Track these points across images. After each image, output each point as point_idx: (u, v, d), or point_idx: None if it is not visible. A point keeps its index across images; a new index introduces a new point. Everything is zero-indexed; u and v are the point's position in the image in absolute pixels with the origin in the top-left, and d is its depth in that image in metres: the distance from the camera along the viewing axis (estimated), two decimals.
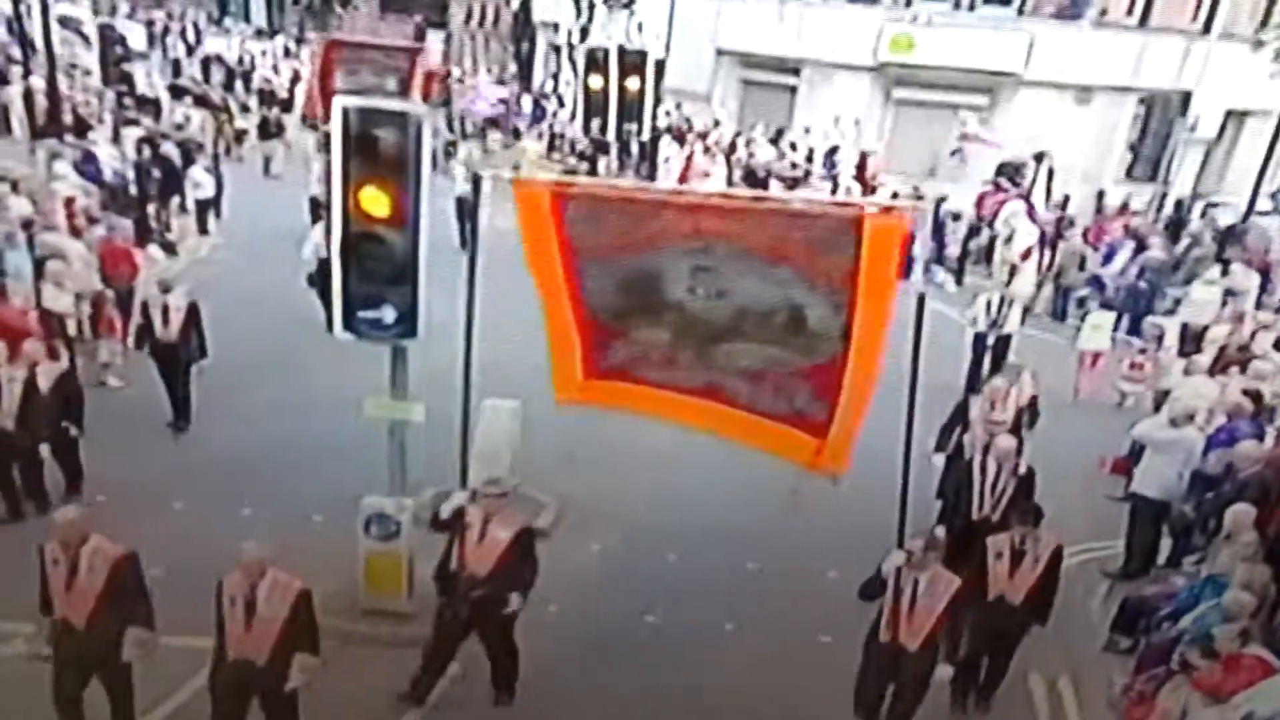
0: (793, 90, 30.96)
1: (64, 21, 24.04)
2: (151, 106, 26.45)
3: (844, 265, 7.00)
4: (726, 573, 10.71)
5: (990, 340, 15.75)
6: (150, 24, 38.16)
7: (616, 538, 11.29)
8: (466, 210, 19.41)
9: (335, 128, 7.57)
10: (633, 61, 21.23)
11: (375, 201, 7.82)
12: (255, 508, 10.69)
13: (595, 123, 21.23)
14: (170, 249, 18.41)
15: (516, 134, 31.69)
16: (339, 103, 7.58)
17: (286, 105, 31.18)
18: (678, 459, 12.19)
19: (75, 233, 14.54)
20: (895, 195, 23.42)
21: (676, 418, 8.69)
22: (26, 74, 23.13)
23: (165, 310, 12.44)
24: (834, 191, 23.56)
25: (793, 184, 24.85)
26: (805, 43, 30.11)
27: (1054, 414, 12.87)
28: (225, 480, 11.49)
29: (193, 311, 12.53)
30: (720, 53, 32.31)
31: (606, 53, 21.04)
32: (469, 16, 38.55)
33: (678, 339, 8.10)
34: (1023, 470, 9.86)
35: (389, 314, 8.22)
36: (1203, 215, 23.13)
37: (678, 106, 31.37)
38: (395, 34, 29.54)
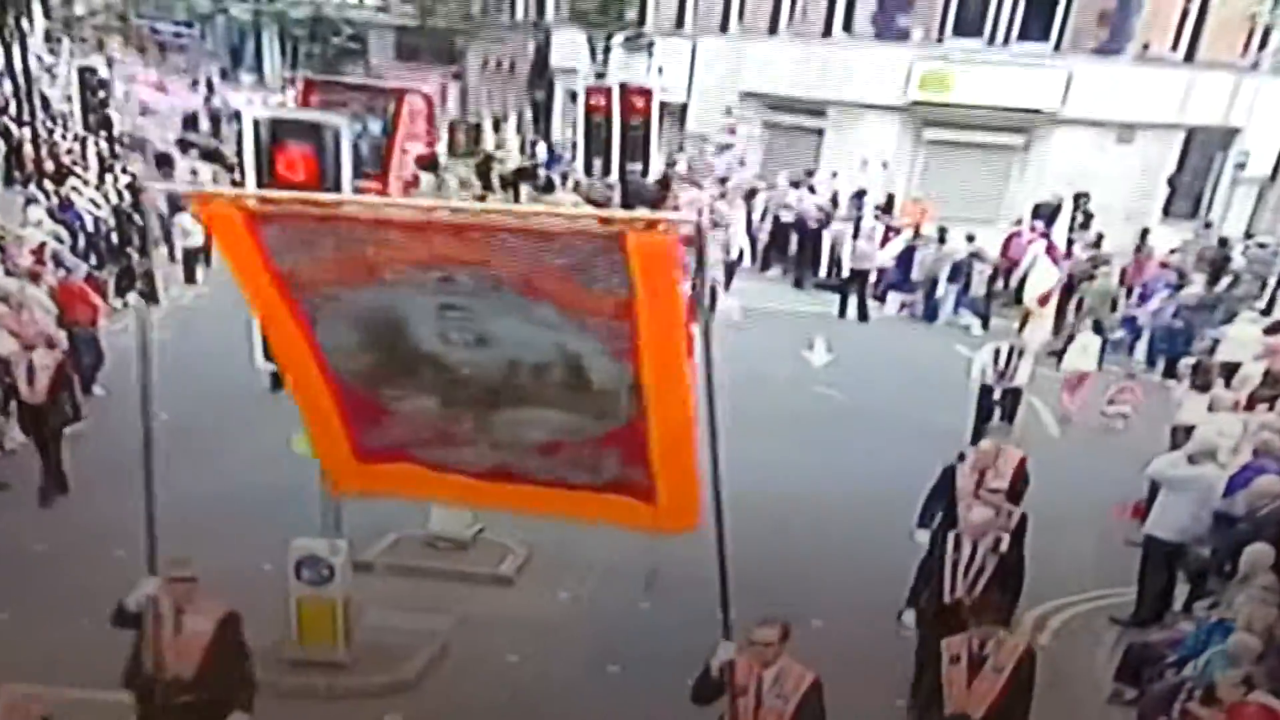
0: (819, 132, 30.80)
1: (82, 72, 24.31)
2: (166, 161, 26.78)
3: (615, 298, 5.94)
4: (702, 622, 10.30)
5: (998, 394, 15.03)
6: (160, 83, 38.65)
7: (587, 585, 11.08)
8: None
9: (246, 143, 7.45)
10: (636, 98, 20.97)
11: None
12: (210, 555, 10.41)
13: (597, 162, 20.92)
14: (151, 298, 18.26)
15: (549, 185, 31.23)
16: (247, 114, 7.49)
17: None
18: None
19: (36, 279, 14.48)
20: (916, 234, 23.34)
21: (483, 502, 7.86)
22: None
23: (30, 369, 11.96)
24: (855, 236, 23.24)
25: (817, 228, 24.66)
26: (831, 83, 30.00)
27: (1058, 455, 12.83)
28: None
29: (62, 370, 12.12)
30: (744, 96, 32.15)
31: (609, 89, 20.79)
32: (485, 64, 38.87)
33: (447, 406, 6.99)
34: (1004, 546, 8.89)
35: None
36: (1244, 252, 22.66)
37: (700, 152, 31.26)
38: (420, 84, 29.56)
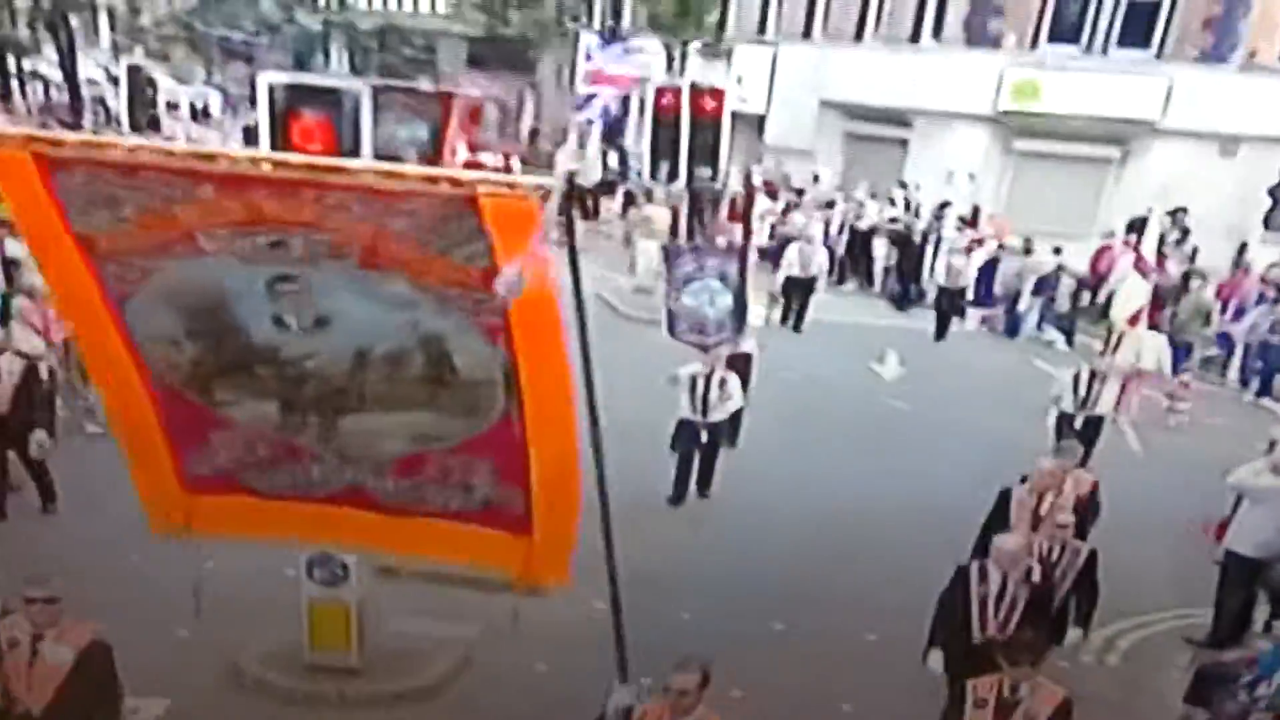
0: (903, 143, 30.47)
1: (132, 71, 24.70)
2: None
3: (476, 268, 5.26)
4: (745, 633, 10.26)
5: (1078, 423, 14.08)
6: (225, 92, 39.16)
7: (625, 594, 10.77)
8: None
9: (261, 109, 7.38)
10: (707, 98, 20.80)
11: None
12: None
13: (664, 166, 20.76)
14: None
15: (630, 199, 30.79)
16: (262, 79, 7.40)
17: None
18: (702, 505, 12.85)
19: None
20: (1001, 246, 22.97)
21: (332, 537, 6.93)
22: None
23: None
24: (937, 248, 22.98)
25: (895, 239, 24.40)
26: (918, 92, 29.60)
27: (1140, 471, 12.96)
28: None
29: (30, 375, 11.39)
30: (824, 105, 31.92)
31: (678, 89, 20.64)
32: (559, 73, 38.94)
33: (288, 412, 6.03)
34: (1036, 575, 8.33)
35: None
36: None
37: (777, 163, 31.04)
38: (500, 92, 29.69)
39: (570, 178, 13.18)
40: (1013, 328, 22.45)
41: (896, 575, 10.72)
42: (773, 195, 27.75)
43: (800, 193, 28.30)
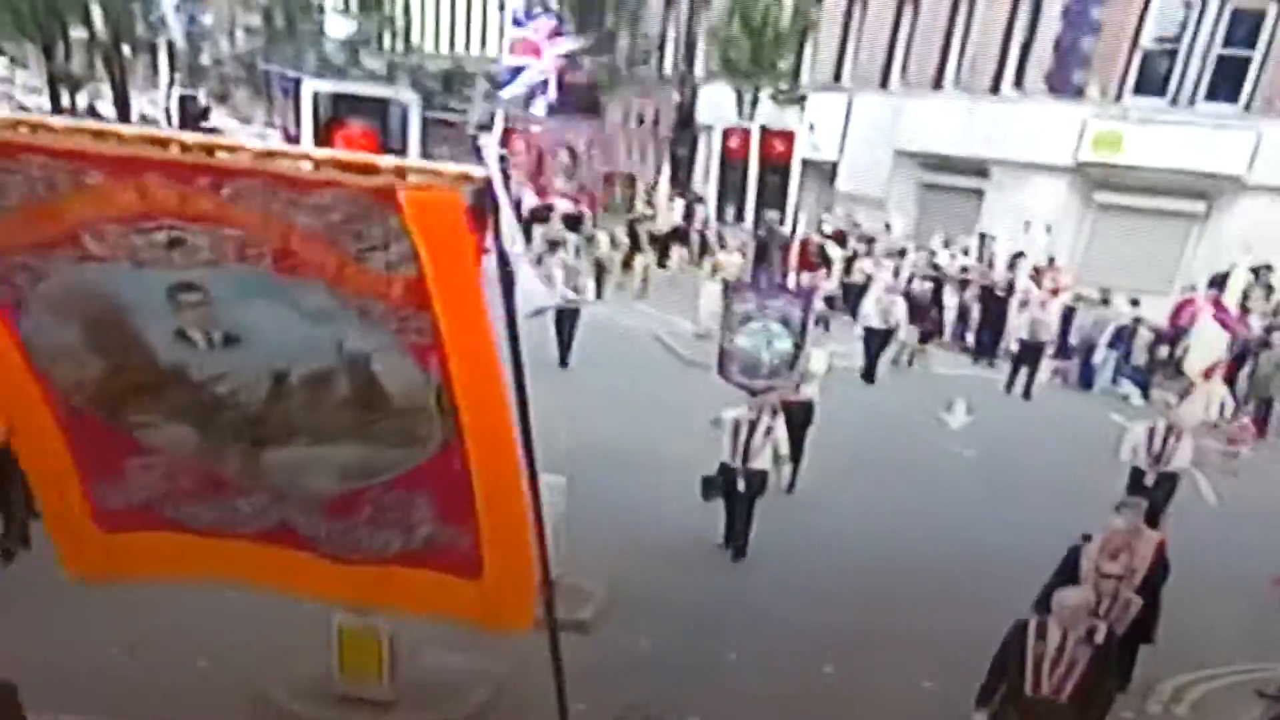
0: (978, 194, 30.43)
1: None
2: None
3: (402, 277, 4.62)
4: (795, 676, 10.26)
5: (1150, 479, 13.75)
6: (287, 132, 39.72)
7: (671, 632, 10.95)
8: (568, 323, 19.80)
9: (304, 117, 7.38)
10: (777, 141, 20.97)
11: None
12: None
13: (730, 209, 20.93)
14: None
15: (705, 245, 30.67)
16: (307, 86, 7.39)
17: None
18: (757, 546, 12.67)
19: None
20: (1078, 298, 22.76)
21: (265, 580, 5.97)
22: None
23: None
24: (1009, 294, 22.83)
25: (964, 288, 24.29)
26: (996, 142, 29.68)
27: (1214, 524, 13.14)
28: None
29: None
30: (899, 154, 31.93)
31: (747, 131, 20.82)
32: (627, 117, 39.25)
33: (207, 439, 5.33)
34: (1100, 637, 7.84)
35: None
36: None
37: (848, 212, 31.03)
38: (571, 137, 29.87)
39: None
40: (1087, 380, 22.28)
41: (956, 624, 10.59)
42: (841, 242, 27.62)
43: (871, 241, 28.21)
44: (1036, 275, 25.44)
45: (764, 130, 21.11)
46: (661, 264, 28.00)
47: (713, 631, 10.86)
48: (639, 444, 15.05)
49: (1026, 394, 21.60)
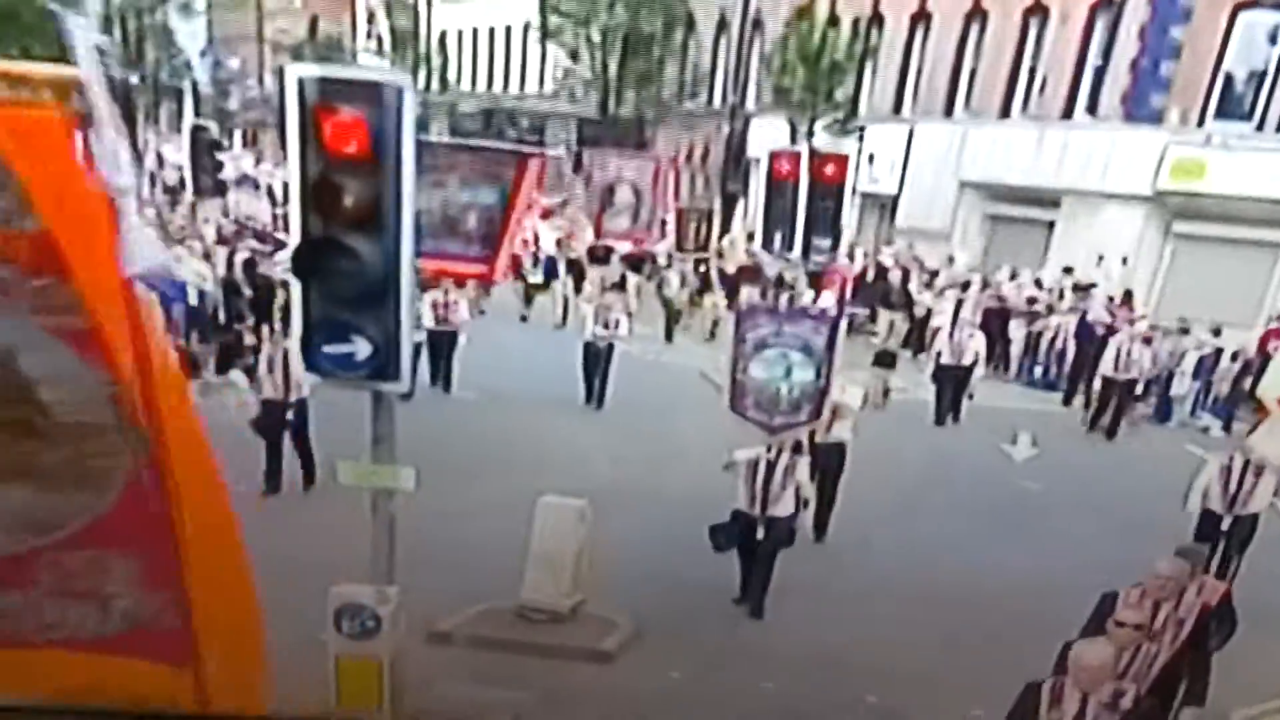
0: (1049, 225, 30.21)
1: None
2: None
3: (17, 235, 3.68)
4: (835, 707, 10.02)
5: (1226, 523, 12.96)
6: None
7: (702, 663, 10.89)
8: (599, 360, 19.81)
9: (290, 106, 7.31)
10: (828, 164, 20.76)
11: (339, 202, 7.23)
12: None
13: (778, 236, 20.69)
14: (252, 375, 18.80)
15: (780, 282, 30.45)
16: (290, 71, 7.33)
17: None
18: (793, 583, 12.30)
19: None
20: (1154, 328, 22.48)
21: None
22: None
23: None
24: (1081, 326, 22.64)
25: (1031, 319, 24.04)
26: (1068, 171, 29.44)
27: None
28: None
29: None
30: (964, 185, 31.76)
31: (796, 154, 20.64)
32: (675, 153, 39.25)
33: None
34: (1128, 702, 6.88)
35: (361, 348, 7.53)
36: None
37: (909, 246, 30.86)
38: (634, 174, 29.91)
39: None
40: (1164, 412, 21.84)
41: (1010, 659, 10.31)
42: (904, 277, 27.50)
43: (934, 274, 28.02)
44: (1124, 307, 25.12)
45: (814, 153, 20.81)
46: (730, 304, 27.84)
47: (750, 662, 10.84)
48: (677, 481, 14.99)
49: (1110, 434, 21.00)
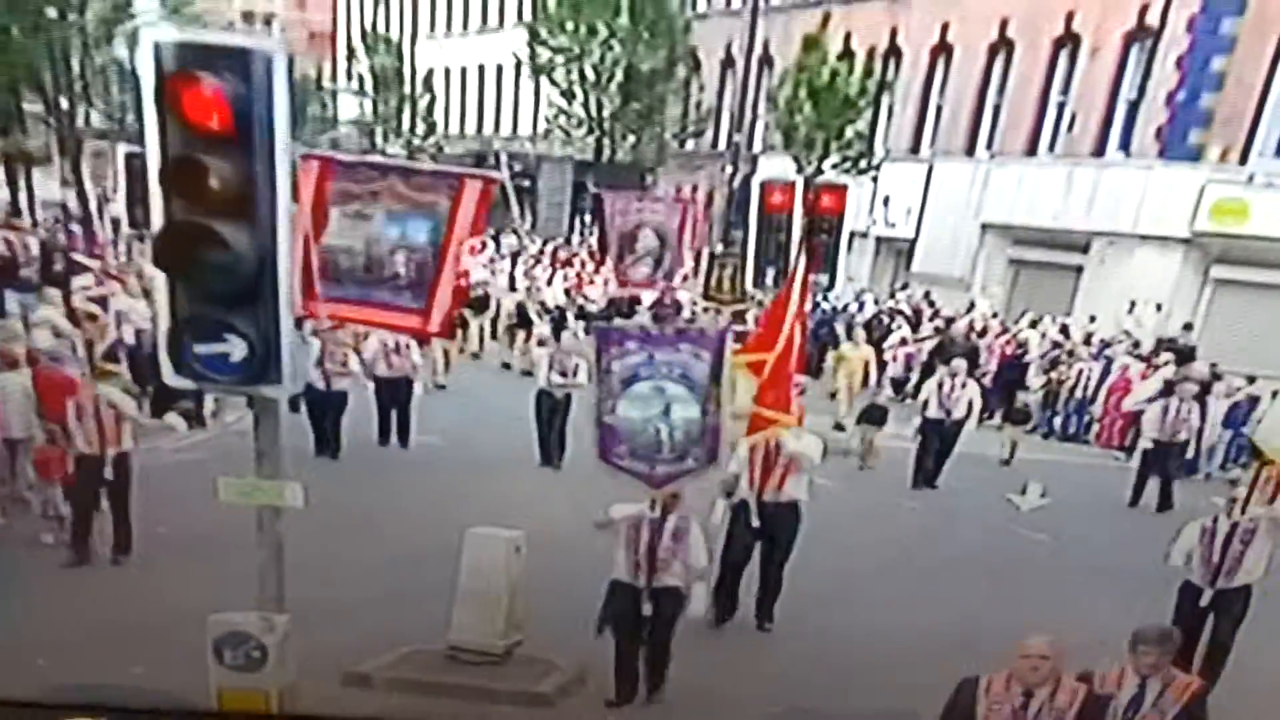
0: (1077, 270, 30.14)
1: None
2: None
3: None
4: None
5: (1206, 598, 11.79)
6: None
7: (652, 708, 10.87)
8: (553, 412, 19.17)
9: (144, 73, 7.31)
10: (826, 195, 20.89)
11: (203, 183, 7.17)
12: None
13: (770, 271, 20.78)
14: (195, 419, 18.83)
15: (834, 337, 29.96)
16: (146, 35, 7.33)
17: None
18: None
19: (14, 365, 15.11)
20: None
21: None
22: None
23: None
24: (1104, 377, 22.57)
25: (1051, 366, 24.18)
26: (1099, 212, 29.48)
27: None
28: None
29: None
30: (985, 228, 31.81)
31: (791, 184, 20.79)
32: (678, 193, 39.40)
33: None
34: None
35: (237, 348, 7.57)
36: None
37: (926, 294, 30.90)
38: (663, 216, 30.05)
39: None
40: (1190, 464, 21.60)
41: None
42: (915, 322, 27.56)
43: (950, 321, 28.02)
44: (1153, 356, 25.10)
45: (810, 184, 21.00)
46: None
47: (691, 706, 10.86)
48: None
49: (1162, 506, 19.52)
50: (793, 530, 12.85)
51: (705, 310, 25.94)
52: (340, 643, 10.90)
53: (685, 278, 27.98)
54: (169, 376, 7.85)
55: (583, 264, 33.40)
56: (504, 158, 39.62)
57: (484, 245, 35.15)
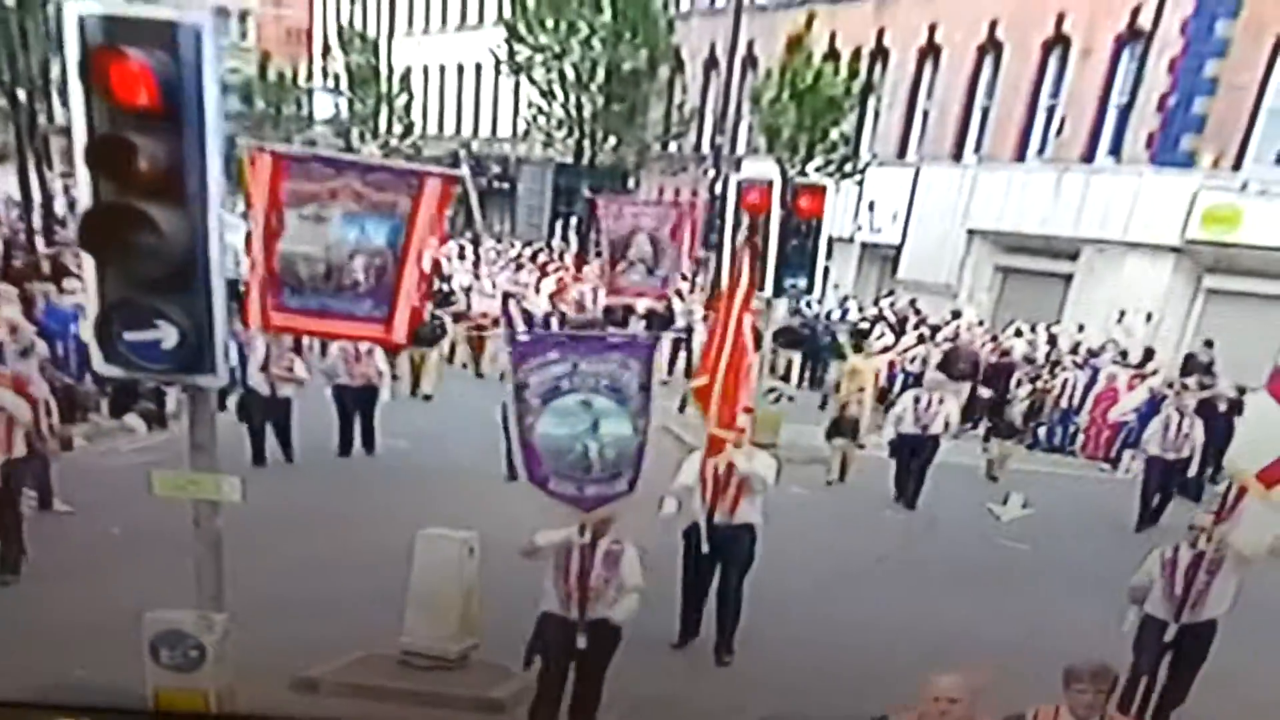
0: (1066, 278, 30.14)
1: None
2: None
3: None
4: None
5: (1170, 634, 10.79)
6: None
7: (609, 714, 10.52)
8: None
9: (69, 47, 7.16)
10: (804, 196, 20.78)
11: (131, 163, 6.93)
12: None
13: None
14: (156, 420, 18.69)
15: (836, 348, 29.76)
16: (70, 8, 7.17)
17: None
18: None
19: None
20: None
21: None
22: None
23: None
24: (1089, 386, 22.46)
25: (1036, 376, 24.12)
26: (1088, 219, 29.48)
27: None
28: None
29: None
30: (973, 234, 31.80)
31: (768, 184, 20.64)
32: (660, 197, 39.36)
33: None
34: None
35: (168, 335, 7.35)
36: None
37: (912, 302, 30.87)
38: (654, 221, 29.96)
39: None
40: (1194, 481, 21.43)
41: None
42: (898, 329, 27.52)
43: (935, 330, 27.96)
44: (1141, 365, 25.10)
45: (788, 184, 20.85)
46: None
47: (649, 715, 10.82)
48: None
49: (1151, 519, 19.07)
50: (747, 555, 12.15)
51: (706, 318, 25.61)
52: (291, 648, 10.78)
53: (682, 285, 27.99)
54: (99, 365, 7.68)
55: (563, 270, 33.27)
56: (463, 154, 39.20)
57: (464, 250, 35.29)
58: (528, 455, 10.24)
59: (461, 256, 35.04)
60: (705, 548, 11.83)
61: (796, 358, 27.47)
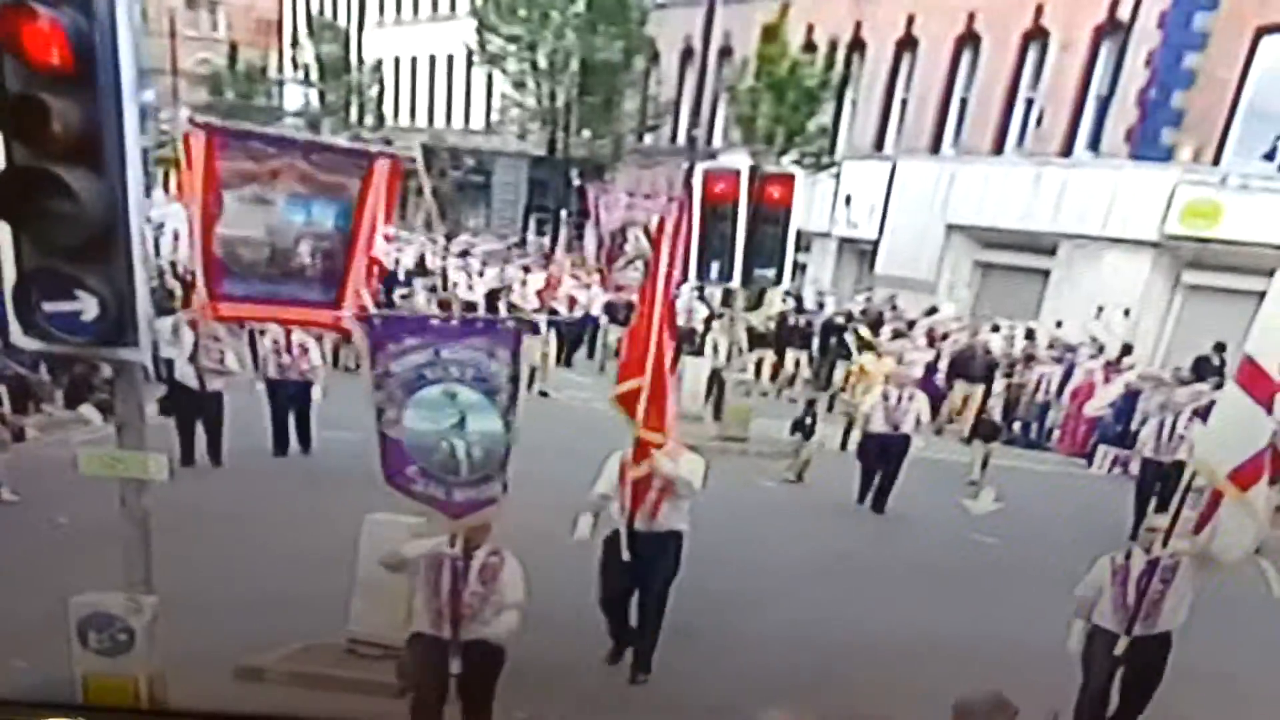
0: (1044, 274, 30.10)
1: None
2: None
3: None
4: None
5: (1120, 647, 10.03)
6: None
7: (562, 704, 10.50)
8: None
9: None
10: (772, 186, 20.63)
11: (44, 125, 6.83)
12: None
13: (715, 266, 20.51)
14: (111, 411, 18.46)
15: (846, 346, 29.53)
16: None
17: None
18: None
19: None
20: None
21: None
22: None
23: None
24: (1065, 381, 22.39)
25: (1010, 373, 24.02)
26: (1067, 214, 29.41)
27: None
28: None
29: None
30: (951, 229, 31.71)
31: (735, 172, 20.49)
32: (634, 194, 39.34)
33: None
34: None
35: (89, 306, 7.21)
36: None
37: (891, 297, 30.76)
38: (642, 214, 29.77)
39: None
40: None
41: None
42: (875, 326, 27.37)
43: (911, 324, 27.90)
44: (1118, 360, 24.95)
45: (756, 173, 20.66)
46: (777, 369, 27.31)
47: (603, 706, 10.73)
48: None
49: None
50: (671, 565, 11.17)
51: (720, 316, 25.38)
52: (236, 638, 10.70)
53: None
54: (17, 337, 7.48)
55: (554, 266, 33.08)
56: (417, 146, 38.89)
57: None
58: (388, 450, 9.62)
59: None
60: (626, 556, 10.95)
61: (770, 355, 27.31)
